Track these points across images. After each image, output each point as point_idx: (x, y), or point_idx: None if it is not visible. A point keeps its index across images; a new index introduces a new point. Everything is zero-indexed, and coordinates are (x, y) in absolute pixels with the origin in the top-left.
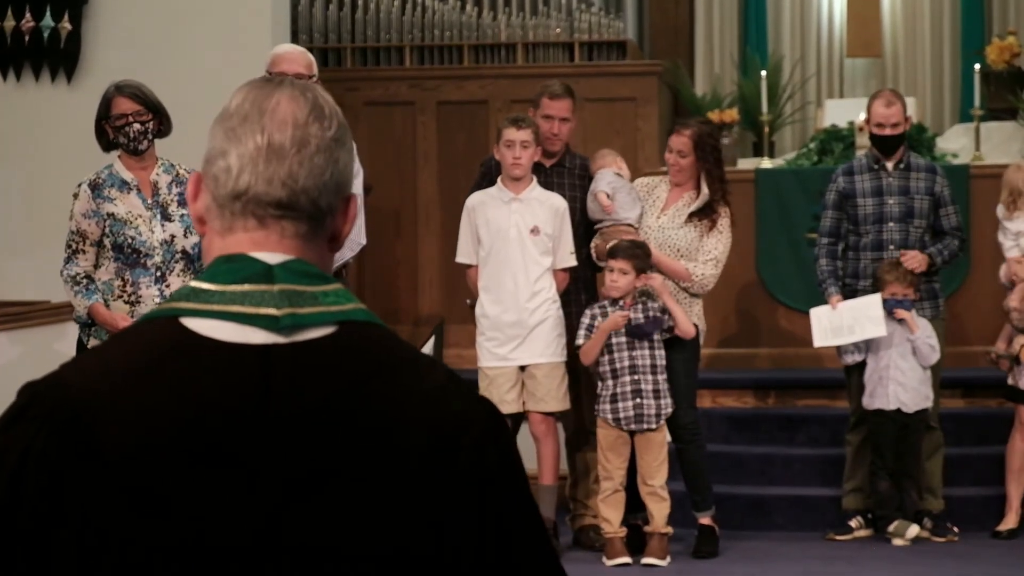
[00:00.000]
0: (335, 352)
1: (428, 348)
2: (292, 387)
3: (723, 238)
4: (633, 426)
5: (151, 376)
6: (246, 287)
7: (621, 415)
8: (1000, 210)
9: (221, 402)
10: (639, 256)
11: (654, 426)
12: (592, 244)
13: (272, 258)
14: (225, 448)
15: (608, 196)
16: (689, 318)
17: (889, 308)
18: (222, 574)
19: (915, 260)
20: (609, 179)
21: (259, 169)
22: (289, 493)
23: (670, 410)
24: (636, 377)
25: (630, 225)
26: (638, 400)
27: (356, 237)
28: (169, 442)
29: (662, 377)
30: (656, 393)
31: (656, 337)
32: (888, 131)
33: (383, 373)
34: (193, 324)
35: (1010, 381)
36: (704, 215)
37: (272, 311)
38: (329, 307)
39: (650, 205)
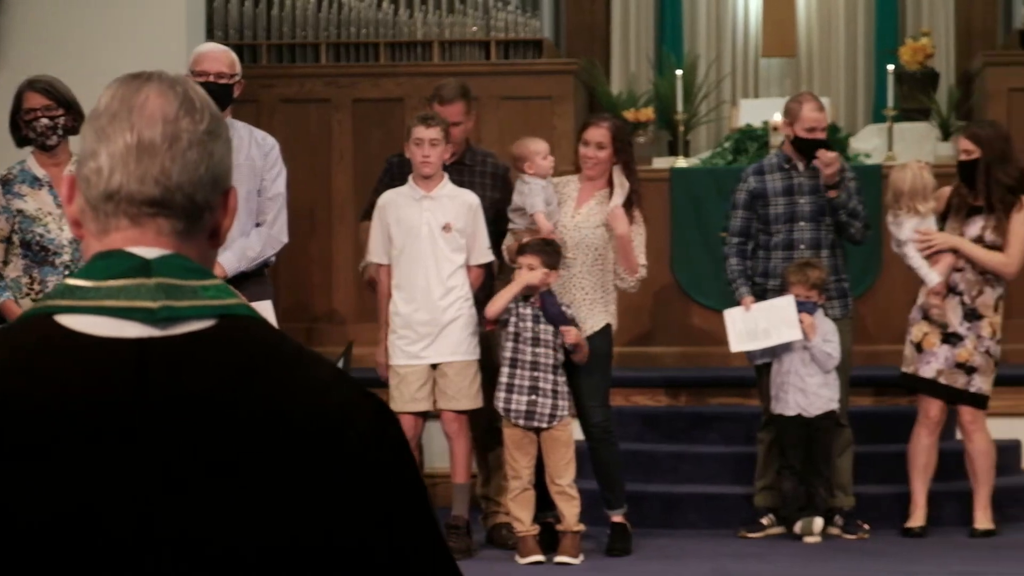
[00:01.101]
0: (214, 345)
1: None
2: (168, 379)
3: (642, 231)
4: (523, 422)
5: (23, 373)
6: (122, 282)
7: (512, 407)
8: (889, 217)
9: (95, 395)
10: (549, 253)
11: (545, 425)
12: (504, 245)
13: (150, 253)
14: (100, 441)
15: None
16: (600, 316)
17: None
18: (102, 567)
19: (828, 156)
20: (547, 196)
21: (130, 168)
22: (168, 485)
23: (565, 412)
24: (536, 374)
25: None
26: (532, 397)
27: (278, 235)
28: (43, 437)
29: (562, 379)
30: (554, 393)
31: (559, 341)
32: (819, 134)
33: (265, 366)
34: (68, 321)
35: (908, 369)
36: (628, 207)
37: (148, 304)
38: (209, 301)
39: (562, 204)
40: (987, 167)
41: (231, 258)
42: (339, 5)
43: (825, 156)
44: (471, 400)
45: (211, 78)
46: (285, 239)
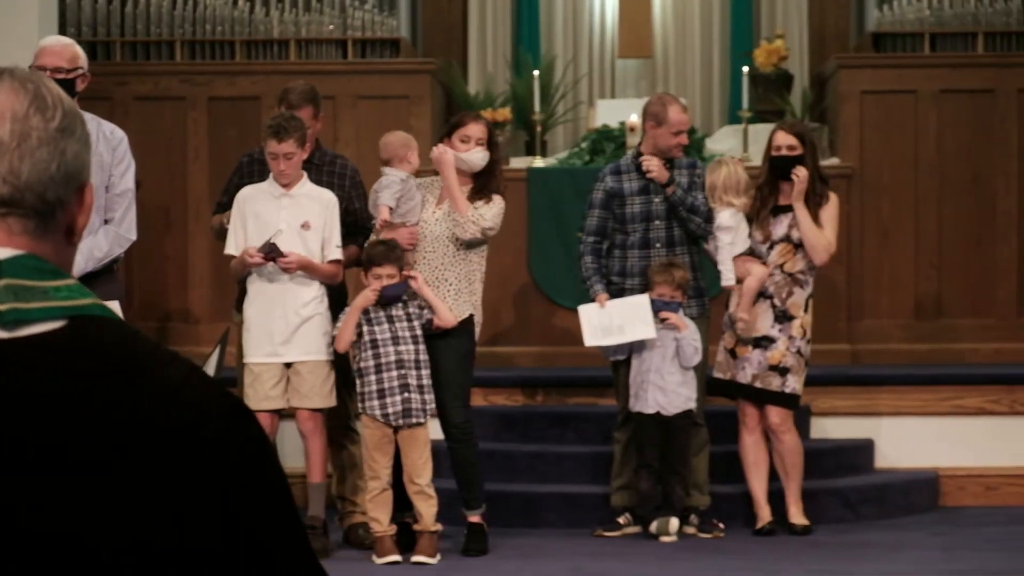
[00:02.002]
0: (63, 346)
1: (213, 358)
2: (14, 381)
3: (495, 207)
4: (402, 421)
5: None
6: None
7: (390, 410)
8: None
9: None
10: (397, 256)
11: (422, 420)
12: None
13: (1, 253)
14: None
15: (391, 209)
16: (465, 306)
17: (656, 310)
18: None
19: (652, 163)
20: (396, 189)
21: None
22: (17, 485)
23: (433, 406)
24: (403, 372)
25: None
26: (406, 395)
27: (126, 233)
28: None
29: (426, 372)
30: (421, 388)
31: (419, 333)
32: (684, 138)
33: (118, 366)
34: None
35: (722, 375)
36: (482, 195)
37: None
38: (60, 302)
39: (428, 202)
40: (806, 166)
41: (78, 259)
42: (194, 3)
43: (647, 164)
44: (324, 399)
45: (48, 73)
46: (133, 237)
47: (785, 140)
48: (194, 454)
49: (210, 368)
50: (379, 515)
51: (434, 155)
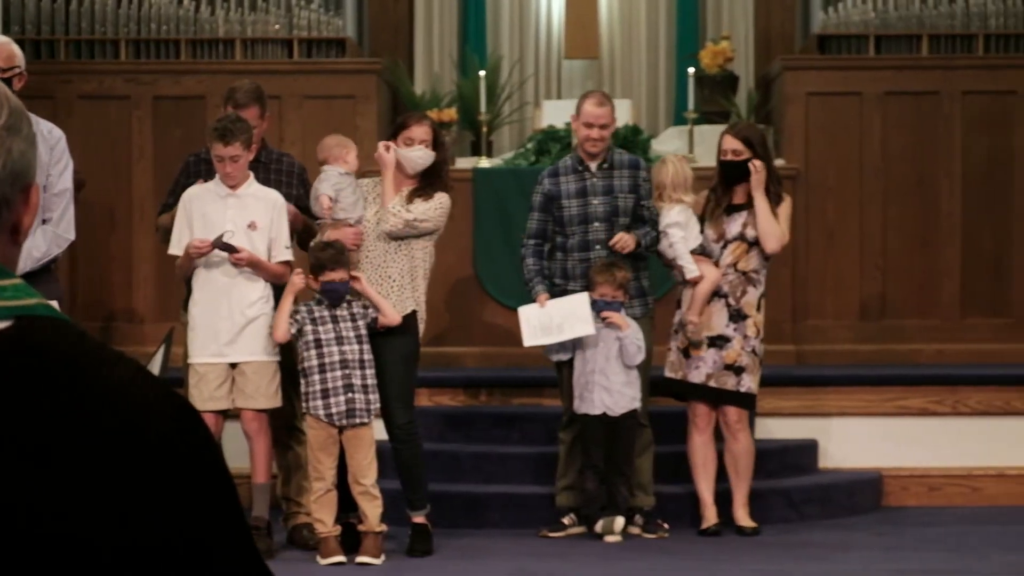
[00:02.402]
0: (9, 346)
1: (158, 357)
2: None
3: (433, 203)
4: (345, 421)
5: None
6: None
7: (334, 410)
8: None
9: None
10: (346, 259)
11: (366, 420)
12: (311, 245)
13: None
14: None
15: (331, 199)
16: (408, 302)
17: (598, 310)
18: None
19: (623, 240)
20: (334, 181)
21: None
22: None
23: (377, 406)
24: (347, 372)
25: (350, 224)
26: (350, 395)
27: (64, 233)
28: None
29: (371, 372)
30: (365, 388)
31: (363, 332)
32: (597, 132)
33: (64, 366)
34: None
35: (674, 375)
36: (425, 194)
37: None
38: (6, 302)
39: (372, 201)
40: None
41: None
42: (139, 2)
43: (619, 244)
44: (269, 399)
45: None
46: (72, 236)
47: (731, 144)
48: (139, 455)
49: (155, 368)
50: (323, 516)
51: (377, 154)
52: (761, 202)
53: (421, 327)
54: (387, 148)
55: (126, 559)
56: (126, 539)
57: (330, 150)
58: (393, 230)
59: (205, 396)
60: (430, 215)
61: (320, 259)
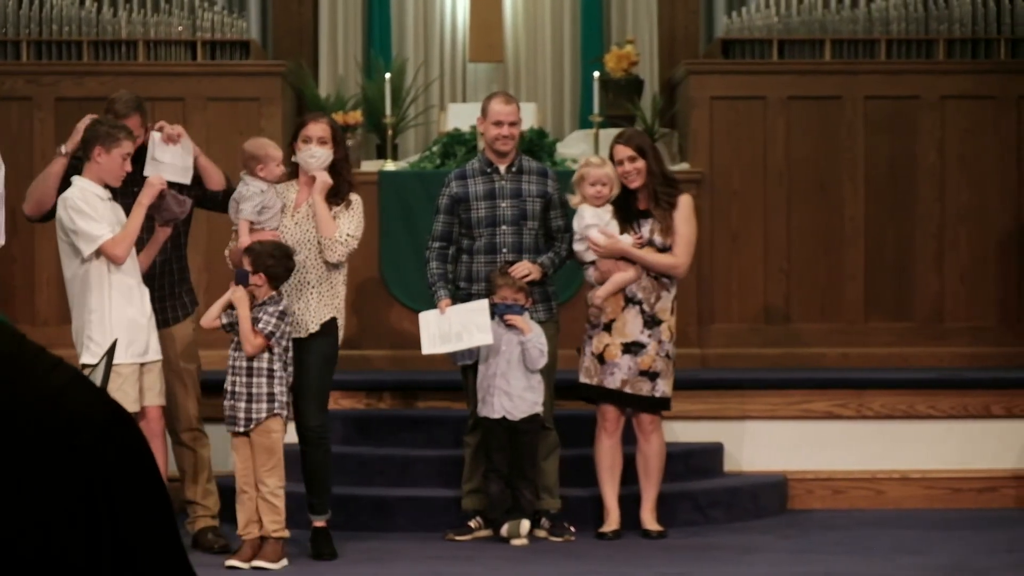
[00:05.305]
0: None
1: (100, 367)
2: None
3: (356, 215)
4: (226, 425)
5: None
6: None
7: (227, 414)
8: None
9: None
10: (277, 265)
11: (240, 429)
12: (227, 249)
13: None
14: None
15: (253, 224)
16: (327, 310)
17: (500, 313)
18: None
19: (523, 269)
20: (256, 202)
21: None
22: None
23: (264, 415)
24: (234, 378)
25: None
26: (231, 401)
27: None
28: None
29: (259, 380)
30: (250, 397)
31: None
32: (507, 129)
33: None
34: None
35: (589, 380)
36: (337, 198)
37: None
38: None
39: (285, 206)
40: (652, 172)
41: None
42: (41, 2)
43: (518, 272)
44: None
45: None
46: (1, 241)
47: (624, 152)
48: (69, 460)
49: (97, 378)
50: (239, 518)
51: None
52: (635, 255)
53: (340, 333)
54: (313, 179)
55: (49, 562)
56: (50, 541)
57: (269, 160)
58: (341, 258)
59: (132, 398)
60: (360, 229)
61: (271, 272)
